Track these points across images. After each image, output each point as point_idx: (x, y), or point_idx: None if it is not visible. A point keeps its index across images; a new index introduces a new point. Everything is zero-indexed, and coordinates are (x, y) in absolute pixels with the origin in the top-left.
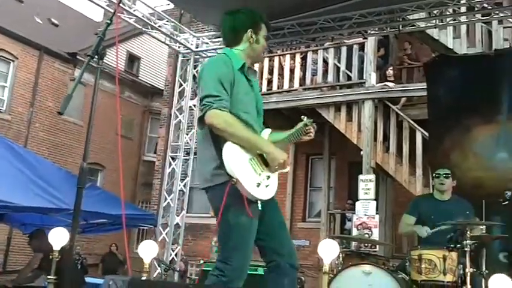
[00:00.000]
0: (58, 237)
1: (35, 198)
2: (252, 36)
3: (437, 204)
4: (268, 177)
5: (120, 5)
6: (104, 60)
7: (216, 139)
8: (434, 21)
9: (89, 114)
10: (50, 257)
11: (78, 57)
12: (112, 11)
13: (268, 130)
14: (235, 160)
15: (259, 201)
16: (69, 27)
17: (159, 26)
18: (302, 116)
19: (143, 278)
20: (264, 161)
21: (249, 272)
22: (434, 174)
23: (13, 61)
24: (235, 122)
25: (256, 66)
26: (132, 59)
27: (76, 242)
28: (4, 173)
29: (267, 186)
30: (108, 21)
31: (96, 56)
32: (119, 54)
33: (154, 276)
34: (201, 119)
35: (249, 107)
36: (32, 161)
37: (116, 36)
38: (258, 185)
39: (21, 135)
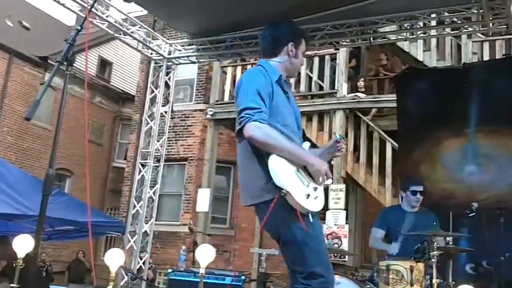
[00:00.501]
0: (23, 244)
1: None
2: (292, 50)
3: (405, 216)
4: (316, 188)
5: (93, 10)
6: (75, 65)
7: (259, 153)
8: (404, 34)
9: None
10: (14, 264)
11: (49, 61)
12: (84, 15)
13: (308, 143)
14: (283, 172)
15: (310, 214)
16: (40, 31)
17: (131, 32)
18: (334, 132)
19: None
20: (309, 173)
21: (215, 282)
22: (410, 191)
23: None
24: (276, 134)
25: (229, 74)
26: (104, 64)
27: (42, 249)
28: None
29: (315, 198)
30: (79, 28)
31: (65, 62)
32: (90, 59)
33: (121, 285)
34: (240, 132)
35: (288, 120)
36: None
37: (86, 42)
38: (308, 196)
39: None
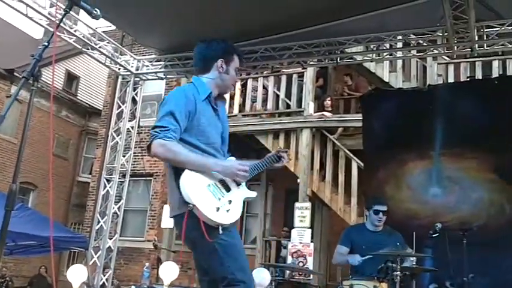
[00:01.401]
0: None
1: None
2: (222, 66)
3: (369, 235)
4: (230, 201)
5: (61, 24)
6: (42, 79)
7: (176, 169)
8: (371, 55)
9: (27, 132)
10: None
11: (15, 74)
12: (52, 29)
13: (233, 158)
14: (191, 186)
15: (220, 226)
16: (7, 43)
17: (99, 47)
18: (279, 147)
19: None
20: (226, 186)
21: None
22: (373, 210)
23: None
24: (181, 149)
25: None
26: (71, 78)
27: (3, 263)
28: None
29: (227, 210)
30: (46, 44)
31: (31, 77)
32: (57, 73)
33: None
34: (149, 149)
35: (211, 138)
36: None
37: (53, 56)
38: (218, 209)
39: None
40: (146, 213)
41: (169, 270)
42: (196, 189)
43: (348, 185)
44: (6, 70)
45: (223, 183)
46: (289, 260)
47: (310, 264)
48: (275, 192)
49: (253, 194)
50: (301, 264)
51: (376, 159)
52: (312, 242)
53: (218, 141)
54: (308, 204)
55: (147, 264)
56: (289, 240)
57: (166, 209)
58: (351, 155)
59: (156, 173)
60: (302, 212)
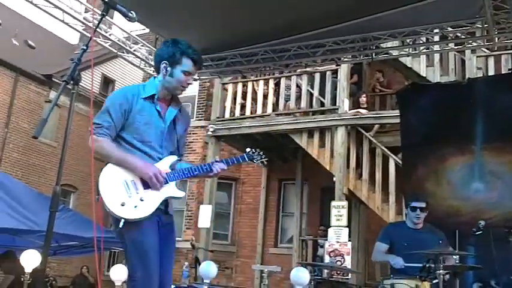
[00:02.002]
0: (30, 260)
1: (7, 219)
2: (166, 69)
3: (410, 233)
4: (142, 199)
5: (97, 29)
6: (80, 83)
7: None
8: (407, 49)
9: (63, 136)
10: (22, 279)
11: (53, 79)
12: (88, 34)
13: (174, 157)
14: (105, 179)
15: (122, 220)
16: (45, 50)
17: (134, 50)
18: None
19: None
20: (146, 184)
21: None
22: (410, 207)
23: None
24: (109, 146)
25: (230, 91)
26: (107, 82)
27: (47, 263)
28: None
29: (135, 206)
30: (84, 47)
31: (71, 81)
32: (93, 77)
33: None
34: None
35: (146, 137)
36: (5, 182)
37: (92, 61)
38: (123, 204)
39: None
40: (183, 214)
41: (208, 270)
42: (109, 182)
43: (385, 183)
44: (44, 76)
45: (144, 181)
46: (327, 259)
47: (348, 263)
48: (310, 191)
49: (180, 194)
50: (338, 263)
51: (414, 156)
52: (349, 240)
53: (156, 140)
54: (345, 203)
55: (186, 263)
56: (326, 239)
57: (203, 209)
58: (388, 152)
59: None
60: (339, 210)
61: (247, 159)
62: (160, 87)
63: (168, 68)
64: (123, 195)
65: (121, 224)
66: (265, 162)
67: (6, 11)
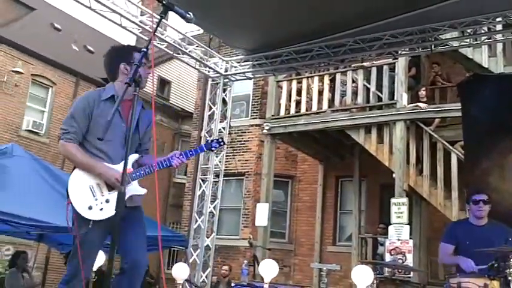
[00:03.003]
0: None
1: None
2: (126, 68)
3: (473, 230)
4: (108, 200)
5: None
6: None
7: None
8: (468, 40)
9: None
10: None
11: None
12: (144, 37)
13: (135, 155)
14: (73, 184)
15: (91, 221)
16: (103, 53)
17: (189, 51)
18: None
19: None
20: (110, 186)
21: None
22: (472, 201)
23: (51, 87)
24: (76, 151)
25: (284, 88)
26: (163, 83)
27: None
28: (44, 194)
29: (101, 209)
30: (145, 49)
31: (133, 83)
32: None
33: None
34: None
35: (108, 135)
36: None
37: (152, 64)
38: (90, 207)
39: (58, 157)
40: (240, 212)
41: (269, 268)
42: (77, 187)
43: (447, 179)
44: (103, 79)
45: (108, 184)
46: (387, 257)
47: (409, 261)
48: (369, 188)
49: (142, 191)
50: (400, 261)
51: (477, 150)
52: (410, 238)
53: (117, 138)
54: (405, 200)
55: (245, 261)
56: (386, 237)
57: (260, 207)
58: (450, 146)
59: (248, 172)
60: (399, 207)
61: (205, 149)
62: (120, 87)
63: (127, 67)
64: (90, 199)
65: (90, 225)
66: (223, 144)
67: (65, 17)
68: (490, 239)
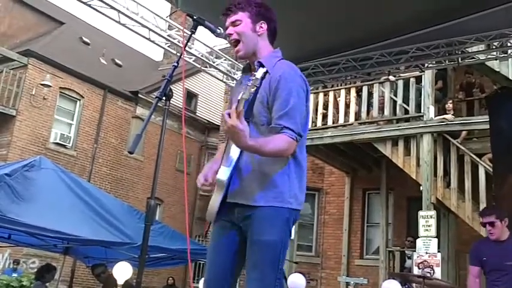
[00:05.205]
0: (122, 271)
1: (100, 231)
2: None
3: (491, 246)
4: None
5: (182, 45)
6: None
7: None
8: (495, 53)
9: (152, 150)
10: None
11: (139, 95)
12: (172, 51)
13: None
14: None
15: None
16: (131, 67)
17: (216, 65)
18: None
19: None
20: None
21: None
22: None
23: (79, 100)
24: None
25: (311, 101)
26: (190, 96)
27: (135, 275)
28: (71, 207)
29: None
30: (176, 64)
31: (163, 98)
32: (178, 92)
33: None
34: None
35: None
36: (97, 195)
37: (183, 78)
38: None
39: (85, 170)
40: None
41: (296, 282)
42: None
43: (475, 191)
44: (131, 92)
45: None
46: (415, 270)
47: (438, 275)
48: (396, 201)
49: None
50: (428, 275)
51: (506, 163)
52: (438, 251)
53: None
54: (433, 213)
55: None
56: (414, 250)
57: None
58: (478, 159)
59: None
60: (427, 220)
61: None
62: None
63: None
64: None
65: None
66: None
67: (94, 31)
68: (507, 255)
